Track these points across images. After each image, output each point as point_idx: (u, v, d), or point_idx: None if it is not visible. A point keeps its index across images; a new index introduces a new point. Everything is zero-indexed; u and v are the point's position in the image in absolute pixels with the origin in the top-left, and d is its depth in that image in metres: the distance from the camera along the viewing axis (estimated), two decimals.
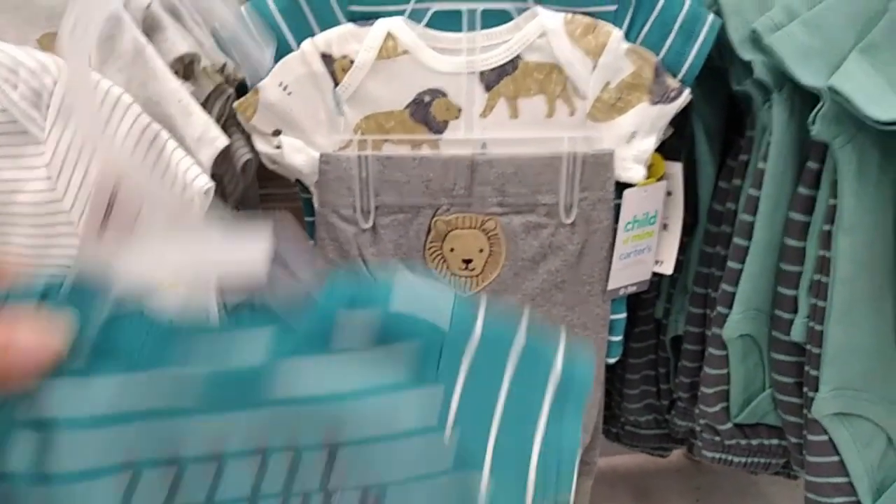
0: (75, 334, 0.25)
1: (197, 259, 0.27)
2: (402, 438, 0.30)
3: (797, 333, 0.67)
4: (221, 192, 0.62)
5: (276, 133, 0.63)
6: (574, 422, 0.35)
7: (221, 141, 0.53)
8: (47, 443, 0.26)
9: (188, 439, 0.28)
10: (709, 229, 0.74)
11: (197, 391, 0.27)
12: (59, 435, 0.26)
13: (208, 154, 0.54)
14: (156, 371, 0.27)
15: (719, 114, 0.71)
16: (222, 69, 0.65)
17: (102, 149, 0.40)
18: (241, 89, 0.65)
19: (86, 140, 0.52)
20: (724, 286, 0.69)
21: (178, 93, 0.53)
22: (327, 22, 0.61)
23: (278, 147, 0.63)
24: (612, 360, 0.76)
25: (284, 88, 0.61)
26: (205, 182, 0.53)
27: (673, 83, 0.63)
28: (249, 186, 0.86)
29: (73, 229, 0.55)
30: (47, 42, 0.52)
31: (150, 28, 0.59)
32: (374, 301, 0.29)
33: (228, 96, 0.65)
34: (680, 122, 0.67)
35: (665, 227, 0.71)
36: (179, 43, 0.60)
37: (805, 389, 0.70)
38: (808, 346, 0.67)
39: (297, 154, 0.62)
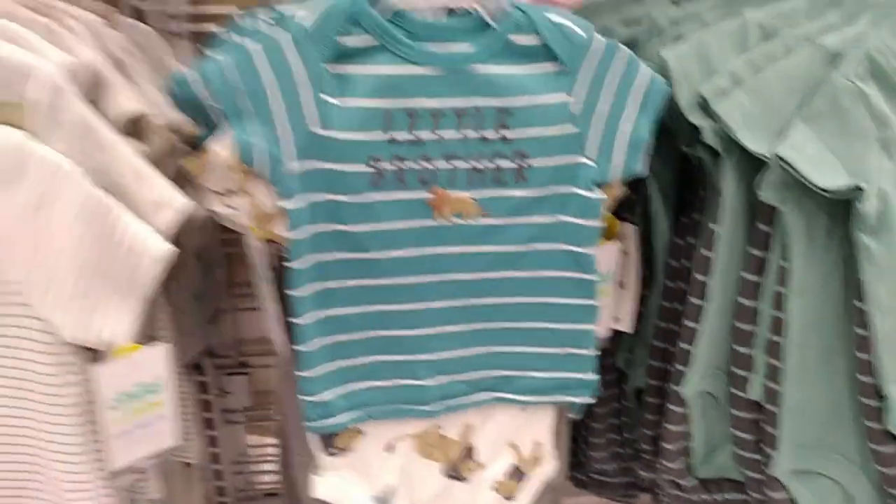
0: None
1: None
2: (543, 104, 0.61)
3: (754, 392, 0.68)
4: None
5: (229, 192, 0.63)
6: (650, 120, 0.63)
7: (182, 203, 0.53)
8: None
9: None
10: (666, 284, 0.74)
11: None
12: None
13: (168, 217, 0.53)
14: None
15: (672, 171, 0.72)
16: (175, 126, 0.65)
17: None
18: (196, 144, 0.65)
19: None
20: (682, 344, 0.70)
21: (130, 158, 0.53)
22: None
23: (229, 207, 0.63)
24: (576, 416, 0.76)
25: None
26: (160, 246, 0.53)
27: None
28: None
29: (22, 299, 0.54)
30: None
31: (95, 86, 0.58)
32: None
33: (182, 153, 0.65)
34: (634, 180, 0.68)
35: (622, 285, 0.71)
36: (127, 102, 0.60)
37: (763, 446, 0.70)
38: (766, 405, 0.68)
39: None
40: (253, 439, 1.24)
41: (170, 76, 0.61)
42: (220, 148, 0.57)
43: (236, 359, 1.14)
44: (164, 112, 0.64)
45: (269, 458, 1.21)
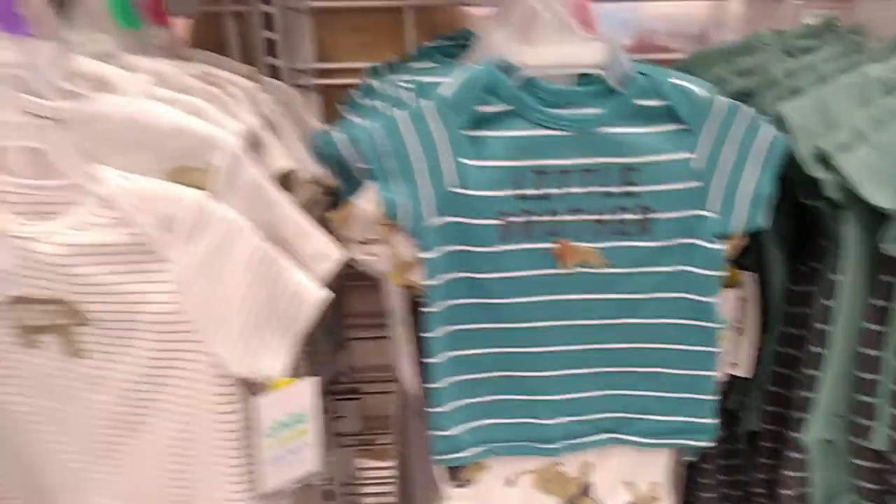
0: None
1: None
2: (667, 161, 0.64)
3: (878, 441, 0.68)
4: None
5: (369, 241, 0.69)
6: (771, 176, 0.65)
7: (338, 255, 0.60)
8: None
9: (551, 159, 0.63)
10: (782, 331, 0.75)
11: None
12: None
13: (326, 267, 0.61)
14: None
15: (788, 218, 0.73)
16: (318, 179, 0.72)
17: None
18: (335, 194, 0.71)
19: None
20: (802, 391, 0.70)
21: (294, 215, 0.60)
22: None
23: (369, 254, 0.69)
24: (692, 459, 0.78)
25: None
26: (318, 293, 0.59)
27: None
28: None
29: (196, 336, 0.62)
30: (174, 175, 0.59)
31: (255, 147, 0.66)
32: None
33: (322, 202, 0.72)
34: None
35: (739, 331, 0.73)
36: (280, 160, 0.67)
37: (887, 497, 0.69)
38: (892, 455, 0.67)
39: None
40: (362, 462, 1.31)
41: (318, 136, 0.67)
42: (366, 203, 0.64)
43: (348, 385, 1.21)
44: (307, 166, 0.72)
45: (376, 481, 1.27)
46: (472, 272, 0.65)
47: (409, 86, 0.68)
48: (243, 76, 0.76)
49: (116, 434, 0.68)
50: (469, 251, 0.64)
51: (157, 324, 0.62)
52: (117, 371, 0.65)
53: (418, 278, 0.65)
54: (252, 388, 0.66)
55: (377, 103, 0.71)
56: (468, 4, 1.02)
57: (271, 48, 1.00)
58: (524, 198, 0.64)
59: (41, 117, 0.59)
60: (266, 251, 0.59)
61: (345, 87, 0.83)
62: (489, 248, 0.64)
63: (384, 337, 0.79)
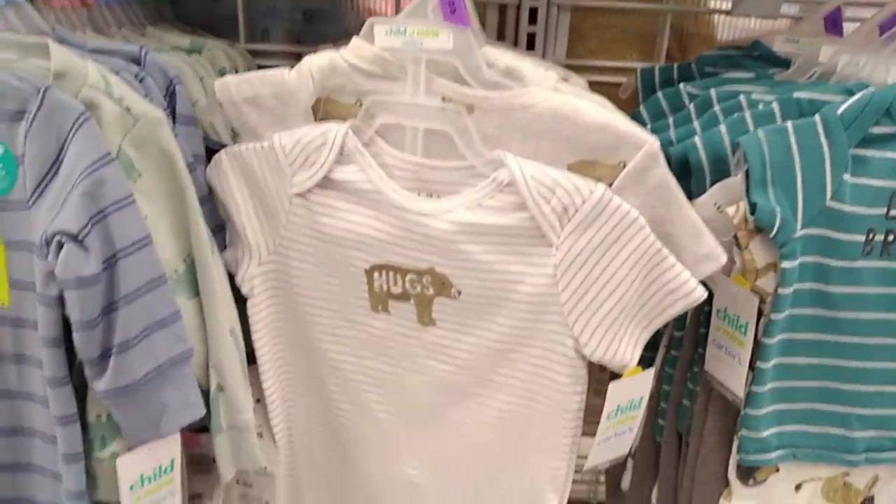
0: None
1: None
2: None
3: None
4: None
5: None
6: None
7: (724, 258, 0.63)
8: None
9: None
10: None
11: None
12: None
13: (709, 268, 0.63)
14: None
15: None
16: None
17: None
18: None
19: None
20: None
21: (693, 216, 0.63)
22: None
23: None
24: None
25: (717, 207, 0.70)
26: (699, 292, 0.62)
27: None
28: None
29: (562, 318, 0.65)
30: (577, 167, 0.62)
31: None
32: None
33: None
34: None
35: None
36: None
37: None
38: None
39: None
40: None
41: (706, 136, 0.69)
42: (733, 208, 0.66)
43: None
44: None
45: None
46: (824, 284, 0.67)
47: (765, 97, 0.70)
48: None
49: (444, 403, 0.72)
50: (827, 264, 0.66)
51: (527, 304, 0.65)
52: (465, 343, 0.69)
53: (767, 285, 0.68)
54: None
55: (716, 109, 0.74)
56: (740, 14, 1.02)
57: (531, 41, 1.02)
58: (891, 217, 0.65)
59: (459, 103, 0.63)
60: (657, 247, 0.62)
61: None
62: (848, 263, 0.66)
63: None
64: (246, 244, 0.70)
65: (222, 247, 0.72)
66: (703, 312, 0.77)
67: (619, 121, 0.61)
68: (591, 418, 0.72)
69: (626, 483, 0.95)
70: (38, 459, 0.67)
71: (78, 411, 0.63)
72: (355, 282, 0.69)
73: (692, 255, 0.63)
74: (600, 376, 0.72)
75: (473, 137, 0.63)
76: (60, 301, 0.59)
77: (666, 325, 0.83)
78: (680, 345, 0.81)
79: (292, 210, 0.68)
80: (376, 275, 0.69)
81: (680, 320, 0.81)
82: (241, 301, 0.72)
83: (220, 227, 0.73)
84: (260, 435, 0.73)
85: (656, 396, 0.86)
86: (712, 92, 0.75)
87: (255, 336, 0.73)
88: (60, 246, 0.58)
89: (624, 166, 0.61)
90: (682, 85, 0.82)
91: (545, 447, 0.70)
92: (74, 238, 0.57)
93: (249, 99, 0.69)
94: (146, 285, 0.60)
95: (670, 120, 0.78)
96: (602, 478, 1.30)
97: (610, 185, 0.61)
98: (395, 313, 0.70)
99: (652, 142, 0.60)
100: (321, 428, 0.77)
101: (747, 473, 0.75)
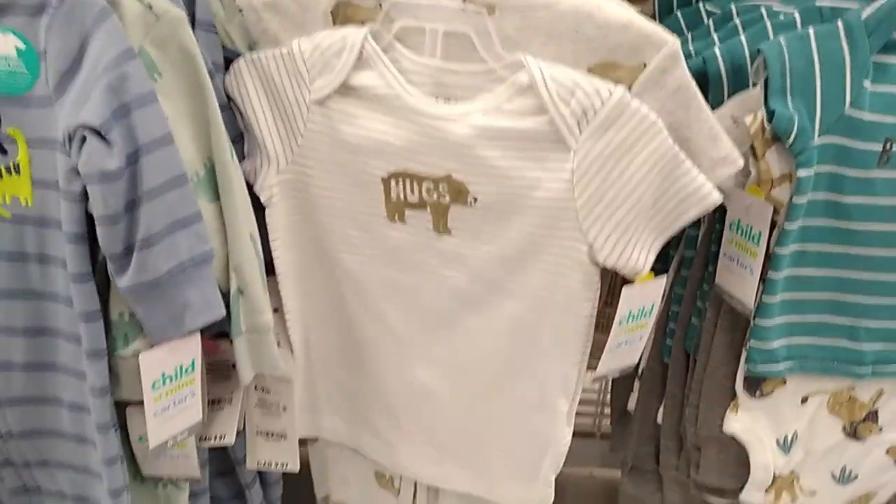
0: None
1: None
2: None
3: None
4: None
5: None
6: None
7: (741, 161, 0.64)
8: None
9: None
10: None
11: None
12: None
13: (726, 172, 0.64)
14: None
15: None
16: None
17: None
18: None
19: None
20: None
21: (711, 119, 0.63)
22: None
23: None
24: None
25: (734, 121, 0.70)
26: (714, 197, 0.63)
27: None
28: None
29: (577, 224, 0.66)
30: (598, 69, 0.62)
31: None
32: None
33: None
34: None
35: None
36: None
37: None
38: None
39: None
40: None
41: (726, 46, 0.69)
42: (750, 117, 0.66)
43: None
44: None
45: None
46: (838, 194, 0.68)
47: (785, 9, 0.70)
48: None
49: (458, 310, 0.74)
50: (842, 174, 0.67)
51: (542, 209, 0.66)
52: (479, 251, 0.70)
53: (781, 195, 0.68)
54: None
55: (736, 22, 0.73)
56: None
57: None
58: None
59: (480, 4, 0.63)
60: (675, 152, 0.62)
61: None
62: (863, 173, 0.66)
63: None
64: (264, 152, 0.71)
65: (241, 158, 0.73)
66: (714, 231, 0.78)
67: (641, 20, 0.60)
68: (595, 352, 0.74)
69: (632, 403, 0.97)
70: (61, 359, 0.69)
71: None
72: (372, 191, 0.70)
73: (709, 159, 0.63)
74: (606, 311, 0.73)
75: (493, 39, 0.63)
76: (84, 197, 0.60)
77: (678, 243, 0.84)
78: (690, 264, 0.82)
79: (311, 118, 0.69)
80: (393, 183, 0.69)
81: (691, 240, 0.82)
82: (259, 211, 0.73)
83: (238, 138, 0.73)
84: (277, 344, 0.75)
85: (665, 317, 0.88)
86: (732, 6, 0.74)
87: (273, 245, 0.74)
88: (83, 140, 0.58)
89: (644, 67, 0.61)
90: (700, 3, 0.81)
91: (557, 354, 0.72)
92: (97, 132, 0.58)
93: (269, 4, 0.68)
94: (168, 183, 0.61)
95: (689, 35, 0.78)
96: (607, 410, 1.33)
97: (629, 88, 0.62)
98: (410, 222, 0.71)
99: (673, 41, 0.60)
100: (337, 336, 0.79)
101: (754, 385, 0.77)
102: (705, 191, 0.63)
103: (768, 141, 0.66)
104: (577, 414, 0.77)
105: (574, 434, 0.78)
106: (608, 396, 1.30)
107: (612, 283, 0.78)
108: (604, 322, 0.73)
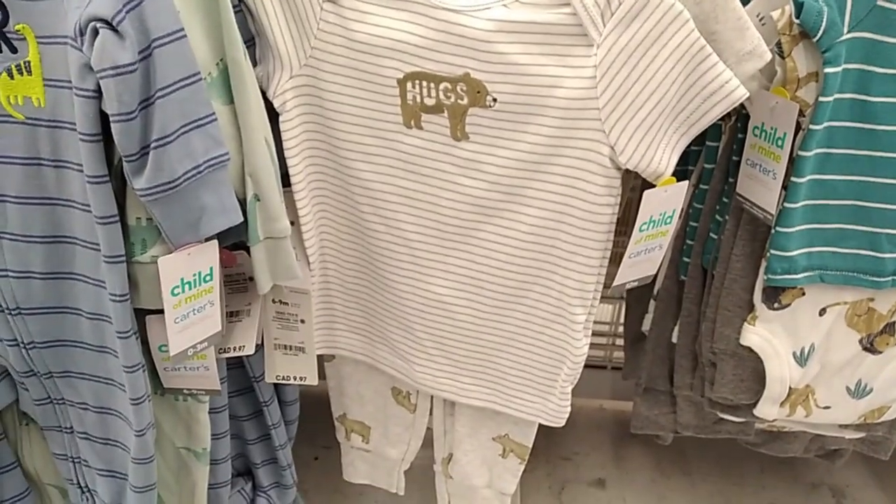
0: None
1: None
2: None
3: None
4: None
5: None
6: None
7: (769, 55, 0.62)
8: None
9: None
10: None
11: None
12: None
13: (753, 66, 0.62)
14: None
15: None
16: None
17: None
18: None
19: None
20: None
21: (738, 9, 0.61)
22: None
23: None
24: None
25: (760, 19, 0.68)
26: (740, 92, 0.61)
27: None
28: None
29: (599, 125, 0.64)
30: None
31: None
32: None
33: None
34: None
35: None
36: None
37: None
38: None
39: None
40: None
41: None
42: (777, 12, 0.64)
43: None
44: None
45: None
46: (863, 94, 0.66)
47: None
48: None
49: (475, 220, 0.73)
50: (871, 71, 0.65)
51: (564, 109, 0.65)
52: (498, 157, 0.69)
53: (807, 95, 0.67)
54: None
55: None
56: None
57: None
58: None
59: None
60: (701, 44, 0.60)
61: None
62: (893, 71, 0.65)
63: None
64: (277, 56, 0.69)
65: (253, 64, 0.71)
66: (736, 141, 0.77)
67: None
68: (606, 281, 0.73)
69: (647, 324, 0.97)
70: (79, 267, 0.69)
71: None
72: (387, 95, 0.69)
73: (735, 53, 0.61)
74: (619, 239, 0.73)
75: None
76: (98, 94, 0.59)
77: (697, 157, 0.83)
78: (710, 177, 0.81)
79: (323, 17, 0.67)
80: (409, 85, 0.68)
81: (711, 151, 0.81)
82: (273, 122, 0.72)
83: (250, 42, 0.72)
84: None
85: (682, 235, 0.87)
86: None
87: (287, 154, 0.73)
88: (95, 34, 0.57)
89: None
90: None
91: (574, 262, 0.71)
92: (109, 24, 0.57)
93: None
94: (182, 80, 0.60)
95: None
96: (618, 341, 1.33)
97: None
98: (427, 129, 0.69)
99: None
100: (352, 248, 0.79)
101: (772, 296, 0.76)
102: (731, 86, 0.61)
103: (796, 37, 0.64)
104: (590, 345, 0.77)
105: (585, 366, 0.78)
106: (619, 328, 1.31)
107: (626, 213, 0.77)
108: (619, 252, 0.72)
